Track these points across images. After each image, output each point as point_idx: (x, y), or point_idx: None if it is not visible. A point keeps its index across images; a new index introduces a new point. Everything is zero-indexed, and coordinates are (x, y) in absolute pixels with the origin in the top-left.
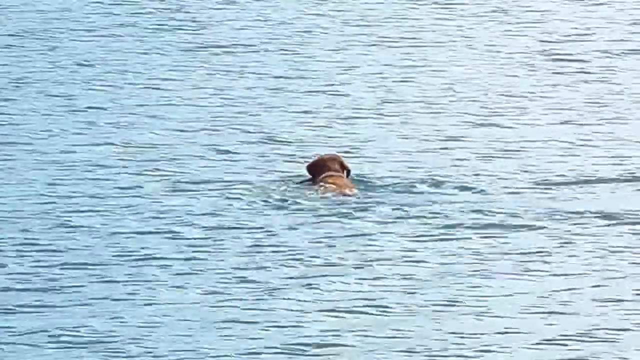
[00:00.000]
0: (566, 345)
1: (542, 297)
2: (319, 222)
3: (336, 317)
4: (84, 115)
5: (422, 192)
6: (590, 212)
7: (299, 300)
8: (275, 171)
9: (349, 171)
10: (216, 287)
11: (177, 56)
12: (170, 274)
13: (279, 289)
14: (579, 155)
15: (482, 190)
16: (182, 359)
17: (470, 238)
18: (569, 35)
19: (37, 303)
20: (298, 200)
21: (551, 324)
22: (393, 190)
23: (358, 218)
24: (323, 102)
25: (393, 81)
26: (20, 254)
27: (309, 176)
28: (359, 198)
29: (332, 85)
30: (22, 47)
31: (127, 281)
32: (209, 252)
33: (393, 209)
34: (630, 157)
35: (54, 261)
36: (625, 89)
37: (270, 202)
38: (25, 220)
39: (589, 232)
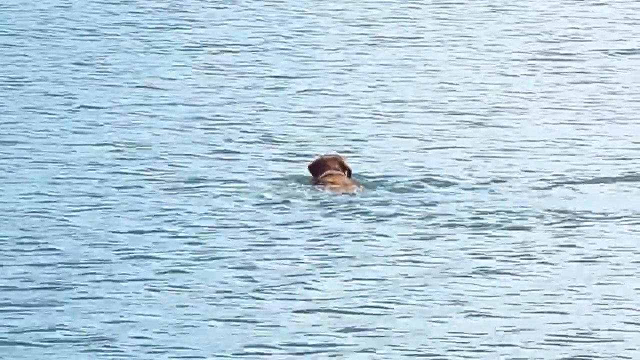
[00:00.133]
0: (567, 344)
1: (544, 296)
2: (317, 221)
3: (335, 316)
4: (84, 114)
5: (422, 192)
6: (591, 212)
7: (299, 299)
8: (275, 171)
9: (349, 171)
10: (217, 285)
11: (176, 56)
12: (170, 273)
13: (278, 287)
14: (579, 155)
15: (482, 190)
16: (182, 357)
17: (470, 237)
18: (569, 35)
19: (38, 302)
20: (297, 199)
21: (552, 323)
22: (392, 190)
23: (357, 217)
24: (323, 101)
25: (393, 81)
26: (20, 252)
27: (310, 175)
28: (354, 196)
29: (332, 84)
30: (22, 46)
31: (126, 280)
32: (209, 251)
33: (392, 208)
34: (631, 157)
35: (55, 260)
36: (625, 89)
37: (270, 201)
38: (24, 218)
39: (590, 231)
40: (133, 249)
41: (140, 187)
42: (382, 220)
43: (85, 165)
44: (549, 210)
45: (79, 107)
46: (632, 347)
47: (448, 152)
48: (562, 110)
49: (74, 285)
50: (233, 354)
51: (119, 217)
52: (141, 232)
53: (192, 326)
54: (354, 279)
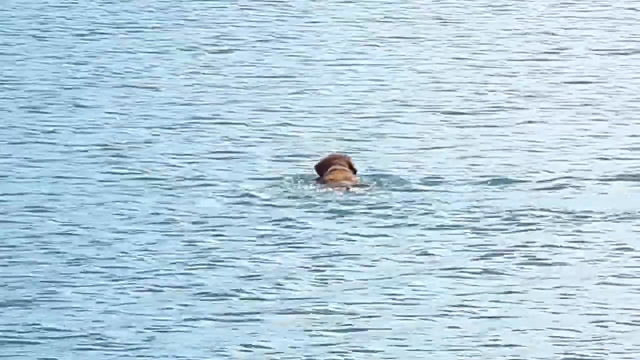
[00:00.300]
0: (571, 344)
1: (547, 296)
2: (321, 219)
3: (337, 315)
4: (90, 114)
5: (425, 190)
6: (593, 212)
7: (298, 299)
8: (275, 170)
9: (355, 171)
10: (218, 285)
11: (176, 55)
12: (178, 270)
13: (276, 287)
14: (581, 155)
15: (486, 189)
16: (189, 352)
17: (471, 237)
18: (570, 35)
19: (35, 300)
20: (303, 197)
21: (557, 322)
22: (396, 189)
23: (361, 215)
24: (323, 101)
25: (393, 80)
26: (23, 251)
27: (317, 175)
28: (347, 190)
29: (333, 84)
30: (20, 45)
31: (134, 277)
32: (215, 248)
33: (394, 208)
34: (632, 156)
35: (53, 259)
36: (625, 89)
37: (273, 200)
38: (27, 217)
39: (595, 230)
40: (139, 245)
41: (140, 186)
42: (386, 218)
43: (91, 164)
44: (551, 210)
45: (83, 106)
46: (636, 347)
47: (449, 151)
48: (563, 110)
49: (72, 283)
50: (225, 353)
51: (125, 214)
52: (146, 230)
53: (201, 321)
54: (355, 277)
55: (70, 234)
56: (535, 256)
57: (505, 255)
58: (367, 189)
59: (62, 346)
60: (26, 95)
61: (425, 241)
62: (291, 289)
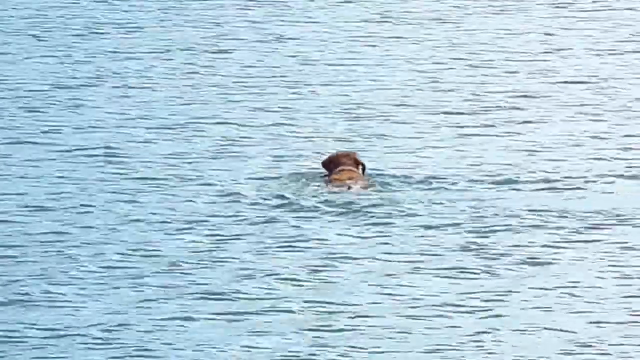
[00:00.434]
0: (572, 343)
1: (548, 296)
2: (327, 218)
3: (341, 314)
4: (90, 114)
5: (425, 190)
6: (595, 211)
7: (297, 299)
8: (283, 168)
9: (364, 167)
10: (224, 281)
11: (179, 55)
12: (178, 269)
13: (281, 286)
14: (583, 154)
15: (486, 189)
16: (188, 352)
17: (475, 237)
18: (570, 34)
19: (35, 298)
20: (309, 196)
21: (557, 322)
22: (395, 188)
23: (365, 214)
24: (327, 100)
25: (395, 80)
26: (23, 251)
27: (325, 172)
28: (349, 189)
29: (336, 83)
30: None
31: (135, 277)
32: (218, 247)
33: (396, 206)
34: (636, 156)
35: (58, 258)
36: (632, 87)
37: (278, 198)
38: (27, 217)
39: (595, 230)
40: (141, 245)
41: (139, 185)
42: (384, 220)
43: (94, 163)
44: (551, 210)
45: (87, 105)
46: (637, 347)
47: (449, 151)
48: (563, 110)
49: (83, 282)
50: (223, 353)
51: (126, 213)
52: (149, 230)
53: (202, 321)
54: (358, 276)
55: (69, 234)
56: (535, 256)
57: (505, 255)
58: (370, 188)
59: (61, 345)
60: (26, 95)
61: (425, 241)
62: (288, 289)
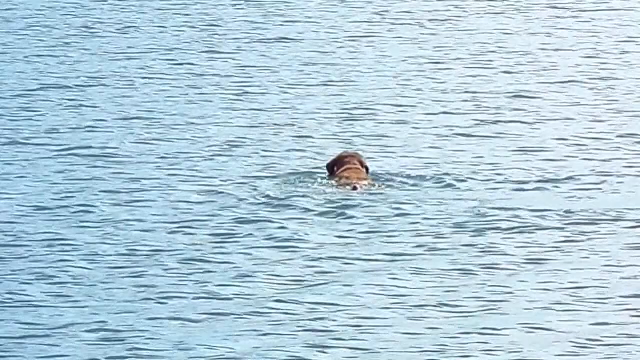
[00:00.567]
0: (573, 343)
1: (548, 296)
2: (330, 219)
3: (346, 314)
4: (93, 112)
5: (425, 190)
6: (595, 211)
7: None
8: (283, 168)
9: (367, 169)
10: (228, 282)
11: (188, 53)
12: (184, 269)
13: (281, 286)
14: (583, 154)
15: (493, 188)
16: (194, 353)
17: (474, 236)
18: (578, 34)
19: (48, 297)
20: (312, 195)
21: (558, 322)
22: (404, 187)
23: (369, 214)
24: (332, 99)
25: (405, 78)
26: (35, 249)
27: (328, 173)
28: (355, 190)
29: (340, 82)
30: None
31: (137, 277)
32: (223, 247)
33: (405, 205)
34: (636, 156)
35: (70, 257)
36: (636, 87)
37: (281, 198)
38: (26, 217)
39: (603, 230)
40: (147, 245)
41: (140, 185)
42: (394, 217)
43: (101, 162)
44: (551, 210)
45: (91, 103)
46: (637, 347)
47: (449, 151)
48: (562, 110)
49: (89, 281)
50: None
51: (133, 213)
52: (155, 229)
53: (208, 322)
54: (363, 275)
55: (68, 233)
56: (535, 256)
57: (505, 255)
58: (374, 188)
59: (62, 345)
60: (26, 95)
61: (426, 241)
62: (288, 289)
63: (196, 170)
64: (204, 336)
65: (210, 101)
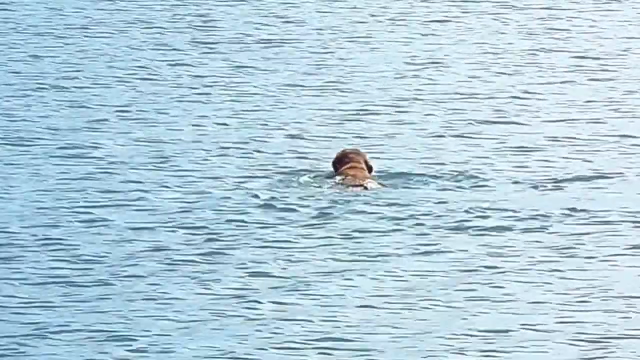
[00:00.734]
0: (574, 343)
1: (548, 296)
2: (329, 219)
3: (351, 313)
4: (100, 111)
5: (425, 190)
6: (595, 211)
7: (312, 295)
8: (285, 166)
9: (370, 168)
10: (232, 283)
11: (192, 52)
12: (188, 271)
13: (286, 286)
14: (583, 154)
15: (495, 188)
16: (199, 355)
17: (474, 236)
18: (581, 33)
19: (56, 299)
20: (314, 195)
21: (564, 322)
22: (404, 188)
23: (372, 213)
24: (334, 99)
25: (404, 78)
26: (37, 249)
27: (327, 172)
28: (364, 190)
29: (343, 81)
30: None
31: (145, 277)
32: (226, 247)
33: (405, 205)
34: (636, 156)
35: (73, 257)
36: (627, 88)
37: (284, 197)
38: (27, 217)
39: (603, 230)
40: (150, 246)
41: (157, 183)
42: (397, 217)
43: (103, 162)
44: (551, 210)
45: (95, 104)
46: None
47: (450, 151)
48: (562, 110)
49: (91, 282)
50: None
51: (136, 213)
52: (158, 229)
53: (212, 324)
54: (364, 275)
55: (68, 234)
56: (535, 256)
57: (505, 255)
58: (379, 188)
59: (62, 345)
60: (26, 95)
61: (426, 240)
62: (287, 289)
63: (196, 171)
64: (196, 337)
65: (208, 102)
